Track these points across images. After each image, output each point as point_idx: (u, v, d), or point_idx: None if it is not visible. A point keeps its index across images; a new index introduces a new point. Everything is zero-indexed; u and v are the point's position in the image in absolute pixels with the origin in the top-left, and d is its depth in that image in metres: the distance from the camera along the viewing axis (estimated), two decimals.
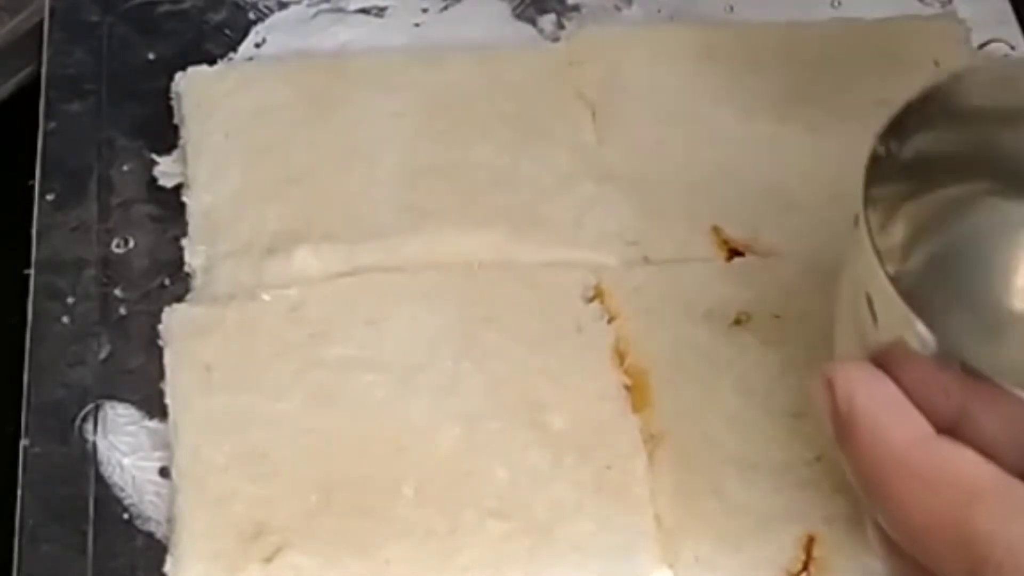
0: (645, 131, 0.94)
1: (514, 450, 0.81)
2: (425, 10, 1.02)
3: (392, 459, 0.80)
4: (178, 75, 0.96)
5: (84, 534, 0.80)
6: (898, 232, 0.75)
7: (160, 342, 0.85)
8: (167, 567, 0.77)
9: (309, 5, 1.02)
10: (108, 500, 0.81)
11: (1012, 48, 1.00)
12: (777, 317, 0.86)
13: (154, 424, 0.83)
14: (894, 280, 0.65)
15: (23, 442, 0.82)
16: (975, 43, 0.99)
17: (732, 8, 1.02)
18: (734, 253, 0.89)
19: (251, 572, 0.77)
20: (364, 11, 1.02)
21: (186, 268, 0.89)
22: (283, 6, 1.02)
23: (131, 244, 0.90)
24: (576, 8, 1.02)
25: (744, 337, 0.85)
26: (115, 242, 0.90)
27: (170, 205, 0.92)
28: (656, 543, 0.79)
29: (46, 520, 0.80)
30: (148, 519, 0.80)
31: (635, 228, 0.89)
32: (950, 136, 0.73)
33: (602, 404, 0.83)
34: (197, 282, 0.88)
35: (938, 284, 0.76)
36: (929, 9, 1.02)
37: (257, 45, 1.00)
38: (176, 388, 0.83)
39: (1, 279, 0.91)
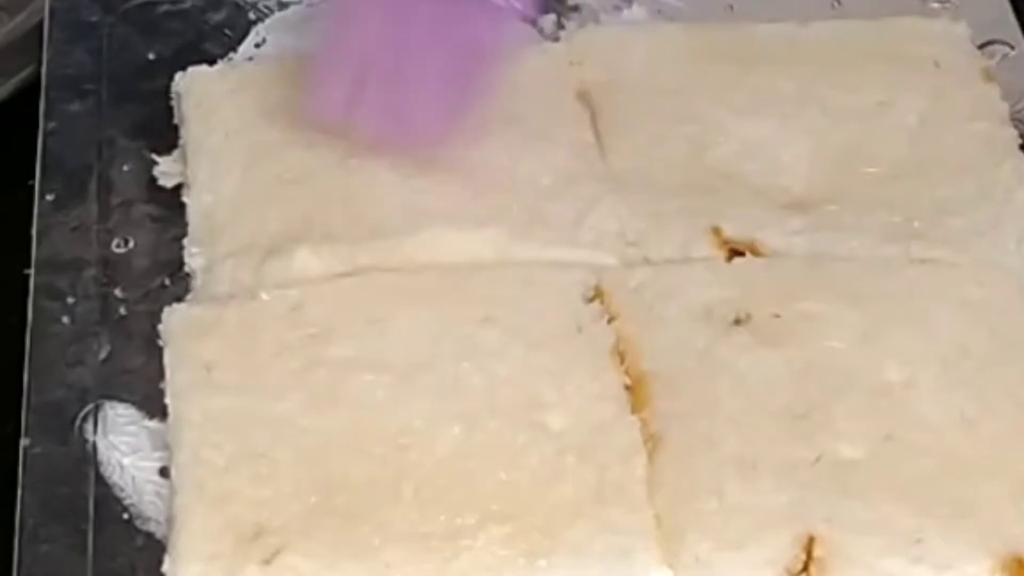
0: (645, 131, 0.94)
1: (514, 450, 0.81)
2: None
3: (392, 459, 0.80)
4: (178, 75, 0.96)
5: (84, 534, 0.80)
6: None
7: (160, 342, 0.85)
8: (165, 567, 0.77)
9: (309, 5, 1.02)
10: (108, 500, 0.81)
11: (1012, 48, 1.00)
12: (777, 317, 0.86)
13: (154, 424, 0.83)
14: None
15: (23, 442, 0.82)
16: (975, 43, 0.99)
17: (732, 8, 1.02)
18: (734, 253, 0.89)
19: (249, 574, 0.77)
20: None
21: (186, 268, 0.89)
22: (283, 6, 1.02)
23: (131, 244, 0.90)
24: (576, 8, 1.02)
25: (744, 337, 0.85)
26: (115, 242, 0.90)
27: (170, 205, 0.92)
28: (656, 543, 0.78)
29: (46, 520, 0.80)
30: (148, 519, 0.80)
31: (635, 228, 0.89)
32: None
33: (602, 404, 0.83)
34: (197, 282, 0.88)
35: None
36: (929, 9, 1.02)
37: (257, 45, 1.00)
38: (176, 388, 0.83)
39: (1, 279, 0.91)
